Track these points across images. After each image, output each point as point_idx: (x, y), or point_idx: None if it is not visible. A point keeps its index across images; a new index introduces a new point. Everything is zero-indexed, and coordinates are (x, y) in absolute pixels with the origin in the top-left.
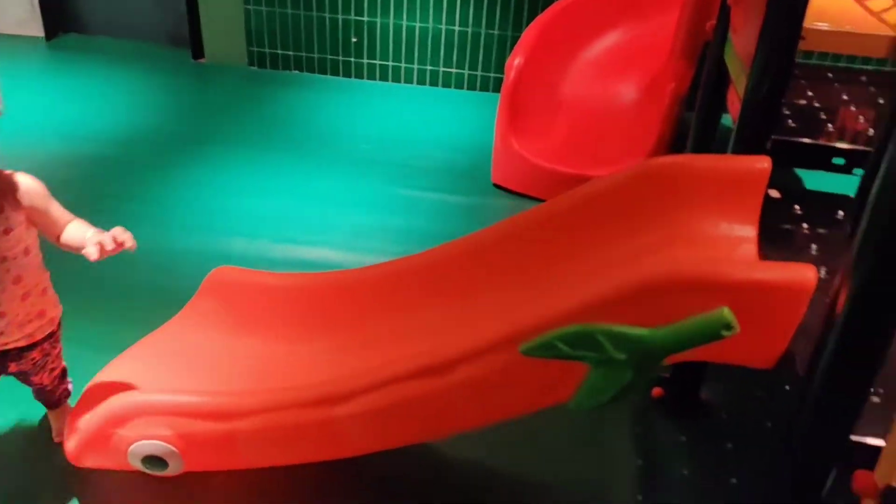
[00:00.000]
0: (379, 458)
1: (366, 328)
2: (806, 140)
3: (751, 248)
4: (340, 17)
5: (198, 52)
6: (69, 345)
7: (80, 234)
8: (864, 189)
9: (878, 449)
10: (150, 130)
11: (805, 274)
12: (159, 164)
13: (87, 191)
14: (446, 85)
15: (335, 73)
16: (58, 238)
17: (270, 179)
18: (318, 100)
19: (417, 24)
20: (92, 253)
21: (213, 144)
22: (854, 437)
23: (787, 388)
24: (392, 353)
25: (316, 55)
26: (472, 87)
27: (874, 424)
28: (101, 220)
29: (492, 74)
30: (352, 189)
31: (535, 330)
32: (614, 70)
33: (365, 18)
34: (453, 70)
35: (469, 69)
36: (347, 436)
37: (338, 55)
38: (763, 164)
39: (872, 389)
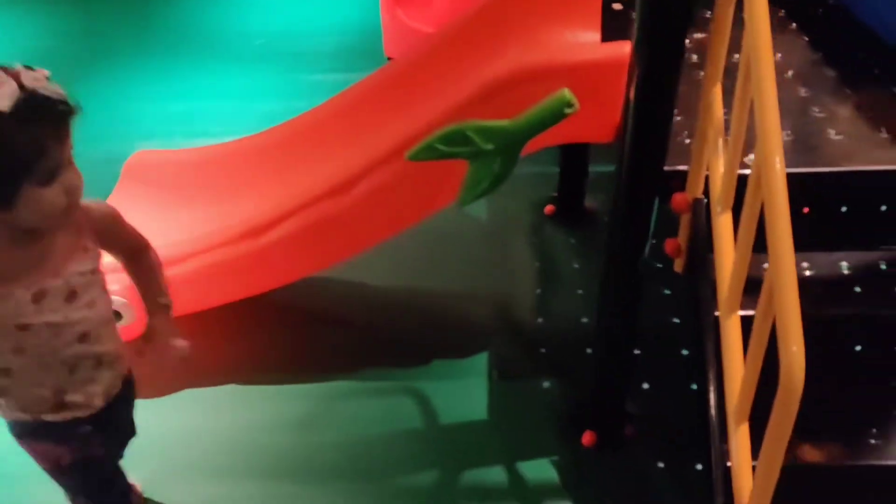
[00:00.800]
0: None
1: (281, 176)
2: None
3: None
4: None
5: None
6: None
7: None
8: None
9: (685, 173)
10: (38, 52)
11: (622, 49)
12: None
13: None
14: None
15: None
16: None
17: (173, 83)
18: (204, 2)
19: None
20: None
21: (107, 57)
22: (667, 168)
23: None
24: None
25: None
26: None
27: (683, 157)
28: None
29: None
30: (255, 81)
31: (417, 138)
32: None
33: None
34: None
35: None
36: (276, 263)
37: None
38: None
39: (684, 133)
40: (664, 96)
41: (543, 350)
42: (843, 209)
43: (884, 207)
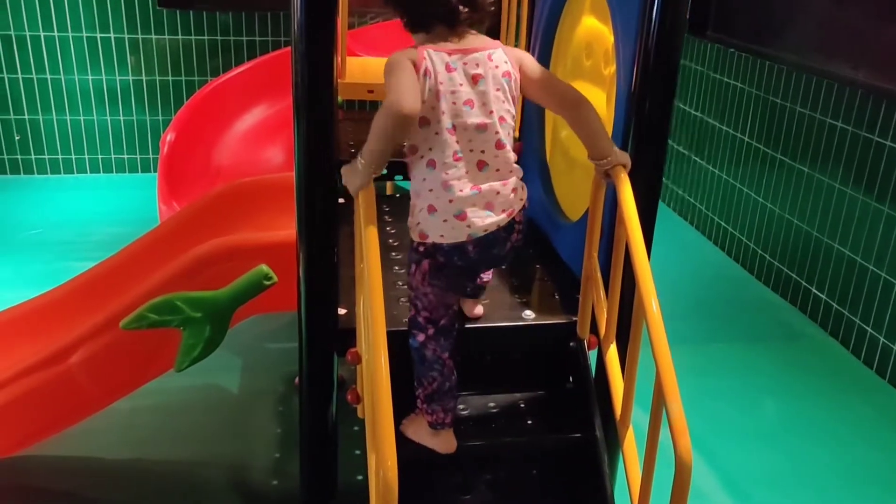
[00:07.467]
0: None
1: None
2: None
3: None
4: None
5: None
6: None
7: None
8: None
9: (354, 330)
10: None
11: None
12: None
13: None
14: (120, 170)
15: (2, 171)
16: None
17: None
18: None
19: (81, 118)
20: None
21: None
22: (341, 327)
23: None
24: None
25: None
26: (146, 170)
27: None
28: None
29: (151, 156)
30: (22, 271)
31: (130, 308)
32: (264, 138)
33: (26, 117)
34: (124, 156)
35: (140, 153)
36: None
37: (2, 154)
38: None
39: None
40: (325, 274)
41: None
42: None
43: None
